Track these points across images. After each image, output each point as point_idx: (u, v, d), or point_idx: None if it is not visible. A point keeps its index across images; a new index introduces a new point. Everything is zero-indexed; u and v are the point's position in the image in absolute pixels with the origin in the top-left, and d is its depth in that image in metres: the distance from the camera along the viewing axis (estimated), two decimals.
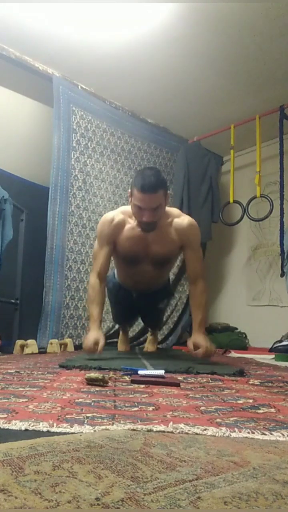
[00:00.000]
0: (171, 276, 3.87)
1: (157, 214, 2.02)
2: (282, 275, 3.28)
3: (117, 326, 3.40)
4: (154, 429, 0.74)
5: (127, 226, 2.14)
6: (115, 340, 3.40)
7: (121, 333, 2.97)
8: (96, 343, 1.94)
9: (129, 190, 2.07)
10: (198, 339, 2.00)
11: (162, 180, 2.01)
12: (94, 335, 1.97)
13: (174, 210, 2.24)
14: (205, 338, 2.03)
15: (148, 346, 3.01)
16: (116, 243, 2.20)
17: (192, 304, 2.20)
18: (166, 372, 1.55)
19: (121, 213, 2.17)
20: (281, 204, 3.39)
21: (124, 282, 2.48)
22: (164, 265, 2.35)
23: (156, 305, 2.71)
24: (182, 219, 2.17)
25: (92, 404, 0.98)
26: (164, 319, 3.72)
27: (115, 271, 2.56)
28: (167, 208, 2.15)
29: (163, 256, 2.24)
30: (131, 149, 3.71)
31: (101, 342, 1.96)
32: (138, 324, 3.54)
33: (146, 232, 2.10)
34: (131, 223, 2.14)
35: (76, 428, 0.74)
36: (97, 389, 1.21)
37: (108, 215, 2.21)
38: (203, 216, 3.90)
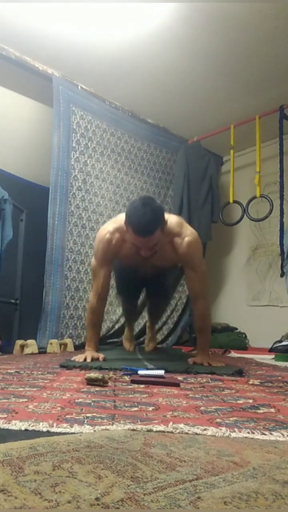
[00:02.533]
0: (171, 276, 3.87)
1: (154, 248, 1.92)
2: (282, 275, 3.28)
3: (117, 327, 3.40)
4: (154, 429, 0.74)
5: (125, 245, 2.02)
6: (115, 340, 3.40)
7: (126, 329, 2.96)
8: (95, 358, 1.99)
9: (125, 221, 1.92)
10: (201, 360, 2.01)
11: (158, 219, 1.85)
12: (92, 353, 2.02)
13: (174, 225, 2.03)
14: (208, 359, 2.03)
15: (148, 344, 2.97)
16: (115, 258, 2.19)
17: (195, 325, 2.22)
18: (166, 372, 1.55)
19: (118, 232, 2.03)
20: (281, 204, 3.39)
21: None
22: (166, 269, 2.33)
23: (163, 279, 2.56)
24: (182, 238, 2.02)
25: (92, 404, 0.98)
26: (164, 319, 3.72)
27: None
28: (168, 221, 1.98)
29: (164, 267, 2.21)
30: (131, 149, 3.71)
31: (102, 355, 2.01)
32: (138, 325, 3.54)
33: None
34: (128, 241, 1.99)
35: (76, 428, 0.74)
36: (97, 389, 1.22)
37: (105, 234, 2.07)
38: (203, 216, 3.90)
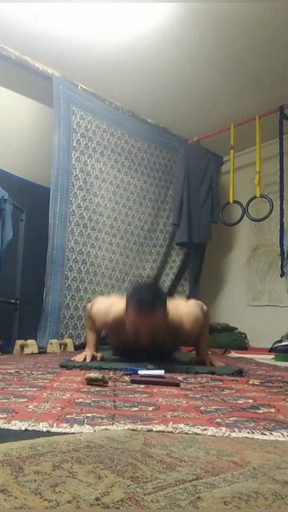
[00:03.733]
0: (171, 276, 3.87)
1: (154, 335, 1.79)
2: (282, 275, 3.28)
3: None
4: (154, 429, 0.74)
5: (123, 329, 1.88)
6: None
7: None
8: (94, 357, 1.99)
9: (120, 313, 1.84)
10: (201, 360, 2.02)
11: (160, 298, 1.80)
12: (91, 353, 2.02)
13: (172, 310, 1.87)
14: (208, 358, 2.03)
15: None
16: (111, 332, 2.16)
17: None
18: (166, 372, 1.55)
19: (119, 313, 1.89)
20: (281, 204, 3.39)
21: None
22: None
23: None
24: (187, 321, 1.88)
25: (92, 404, 0.98)
26: None
27: None
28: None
29: (164, 350, 2.08)
30: (131, 149, 3.71)
31: (100, 355, 2.02)
32: None
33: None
34: (127, 324, 1.85)
35: (76, 428, 0.74)
36: (97, 389, 1.21)
37: (104, 309, 1.97)
38: (203, 216, 3.90)
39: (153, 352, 1.87)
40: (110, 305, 1.99)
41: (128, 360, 1.89)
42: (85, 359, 1.95)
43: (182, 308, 1.95)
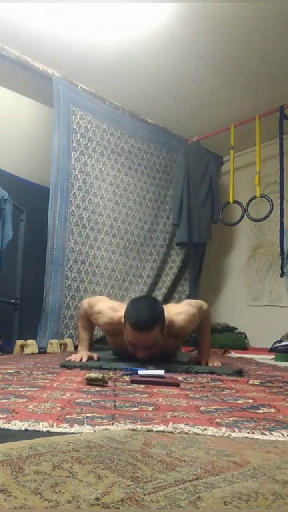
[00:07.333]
0: (171, 276, 3.87)
1: (152, 349, 1.81)
2: (282, 275, 3.28)
3: None
4: (154, 429, 0.74)
5: (121, 335, 1.89)
6: None
7: None
8: (90, 357, 2.01)
9: (122, 321, 1.86)
10: (201, 359, 2.03)
11: (157, 315, 1.80)
12: (87, 353, 2.04)
13: (166, 316, 1.90)
14: (209, 358, 2.05)
15: None
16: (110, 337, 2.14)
17: (197, 331, 2.21)
18: (166, 372, 1.55)
19: (120, 320, 1.91)
20: (281, 204, 3.39)
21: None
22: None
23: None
24: (177, 320, 1.91)
25: (92, 404, 0.98)
26: None
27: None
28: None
29: (163, 356, 2.07)
30: (131, 149, 3.71)
31: (95, 355, 2.04)
32: None
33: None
34: (125, 337, 1.87)
35: (76, 428, 0.74)
36: (97, 389, 1.22)
37: (108, 311, 1.98)
38: (203, 216, 3.90)
39: (152, 357, 1.87)
40: (113, 308, 2.01)
41: (128, 361, 1.90)
42: (81, 359, 1.97)
43: (172, 311, 1.97)
